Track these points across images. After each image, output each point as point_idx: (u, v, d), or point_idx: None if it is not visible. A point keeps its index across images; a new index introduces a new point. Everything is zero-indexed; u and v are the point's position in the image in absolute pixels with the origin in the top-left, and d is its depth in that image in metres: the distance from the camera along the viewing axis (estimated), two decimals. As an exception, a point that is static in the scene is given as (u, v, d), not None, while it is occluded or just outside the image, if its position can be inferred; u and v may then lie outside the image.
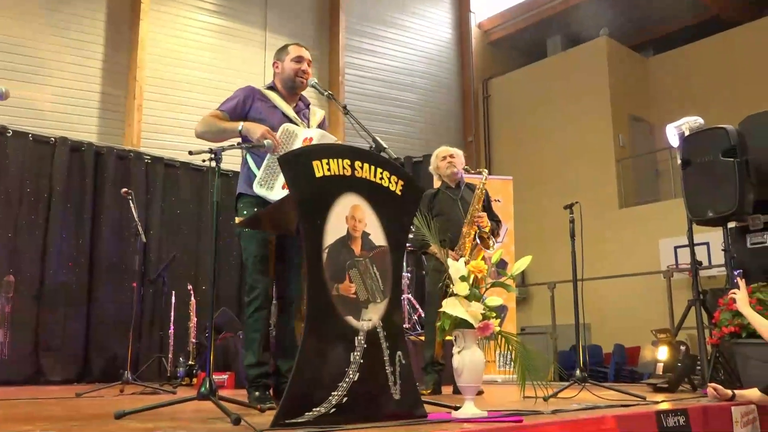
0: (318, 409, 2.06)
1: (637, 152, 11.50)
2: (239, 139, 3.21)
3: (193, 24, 9.21)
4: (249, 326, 3.25)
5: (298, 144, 3.06)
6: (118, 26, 8.58)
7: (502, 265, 2.54)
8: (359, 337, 2.23)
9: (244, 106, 3.33)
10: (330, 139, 3.11)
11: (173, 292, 6.70)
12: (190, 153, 2.60)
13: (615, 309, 9.69)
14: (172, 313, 6.59)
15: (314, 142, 3.04)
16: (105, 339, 6.97)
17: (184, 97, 8.82)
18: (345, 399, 2.12)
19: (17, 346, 6.53)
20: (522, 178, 9.72)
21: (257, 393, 3.17)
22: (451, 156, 4.76)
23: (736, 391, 3.27)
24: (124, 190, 5.16)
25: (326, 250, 2.21)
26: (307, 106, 3.54)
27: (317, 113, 3.51)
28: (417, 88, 11.50)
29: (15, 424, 2.45)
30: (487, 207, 4.62)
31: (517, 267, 2.53)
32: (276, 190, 3.02)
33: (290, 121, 3.31)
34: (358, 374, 2.18)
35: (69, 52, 8.15)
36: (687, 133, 4.81)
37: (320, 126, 3.44)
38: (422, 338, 5.28)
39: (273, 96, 3.40)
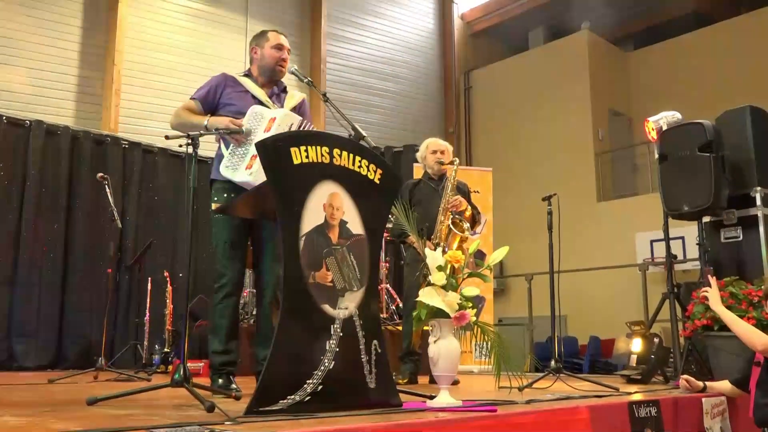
0: (293, 396, 2.06)
1: (615, 146, 11.60)
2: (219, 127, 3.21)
3: (172, 8, 9.09)
4: (216, 313, 3.25)
5: (264, 125, 3.04)
6: (96, 8, 8.45)
7: (479, 255, 2.54)
8: (335, 326, 2.22)
9: (215, 93, 3.34)
10: (294, 119, 3.07)
11: (149, 278, 6.63)
12: (167, 137, 2.57)
13: (591, 301, 9.80)
14: (148, 300, 6.53)
15: (276, 121, 3.01)
16: (80, 325, 6.89)
17: (162, 82, 8.71)
18: (320, 387, 2.12)
19: (-11, 331, 6.43)
20: (501, 170, 9.76)
21: (221, 380, 3.16)
22: (442, 152, 4.75)
23: (707, 383, 3.32)
24: (100, 174, 5.08)
25: (303, 238, 2.20)
26: (283, 90, 3.51)
27: (295, 96, 3.47)
28: (399, 78, 11.48)
29: (-16, 409, 2.42)
30: (465, 199, 4.62)
31: (494, 257, 2.54)
32: (239, 172, 3.00)
33: (262, 105, 3.28)
34: (333, 362, 2.17)
35: (45, 34, 8.00)
36: (665, 127, 4.85)
37: (297, 108, 3.41)
38: (400, 328, 5.29)
39: (246, 81, 3.39)
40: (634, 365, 4.37)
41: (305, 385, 2.09)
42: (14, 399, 2.98)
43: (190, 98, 3.36)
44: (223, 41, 9.36)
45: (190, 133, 2.62)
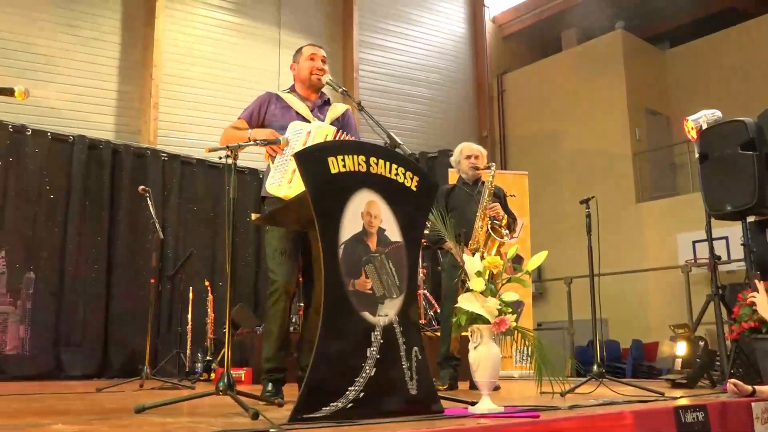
0: (335, 404, 2.07)
1: (653, 146, 11.41)
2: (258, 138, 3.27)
3: (207, 21, 9.26)
4: (268, 319, 3.34)
5: (302, 140, 3.09)
6: (133, 24, 8.65)
7: (517, 260, 2.53)
8: (376, 333, 2.23)
9: (260, 112, 3.45)
10: (329, 130, 3.11)
11: (190, 288, 6.75)
12: (208, 150, 2.62)
13: (633, 304, 9.63)
14: (190, 309, 6.65)
15: (311, 134, 3.07)
16: (124, 335, 7.05)
17: (199, 94, 8.88)
18: (362, 394, 2.13)
19: (38, 341, 6.63)
20: (537, 173, 9.69)
21: (270, 386, 3.22)
22: (476, 157, 4.74)
23: (756, 387, 3.23)
24: (142, 187, 5.19)
25: (342, 246, 2.22)
26: (326, 102, 3.57)
27: (337, 108, 3.54)
28: (431, 84, 11.48)
29: (37, 417, 2.49)
30: (502, 204, 4.60)
31: (532, 263, 2.52)
32: (283, 187, 3.06)
33: (304, 120, 3.33)
34: (374, 369, 2.18)
35: (85, 51, 8.23)
36: (705, 126, 4.76)
37: (340, 119, 3.47)
38: (438, 334, 5.28)
39: (288, 97, 3.48)
40: (679, 369, 4.29)
41: (347, 392, 2.11)
42: (64, 407, 3.06)
43: (237, 118, 3.49)
44: (257, 52, 9.49)
45: (229, 144, 2.67)
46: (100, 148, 7.46)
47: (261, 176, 8.05)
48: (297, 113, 3.39)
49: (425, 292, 6.95)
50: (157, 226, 5.07)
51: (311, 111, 3.43)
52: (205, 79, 8.99)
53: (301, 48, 3.60)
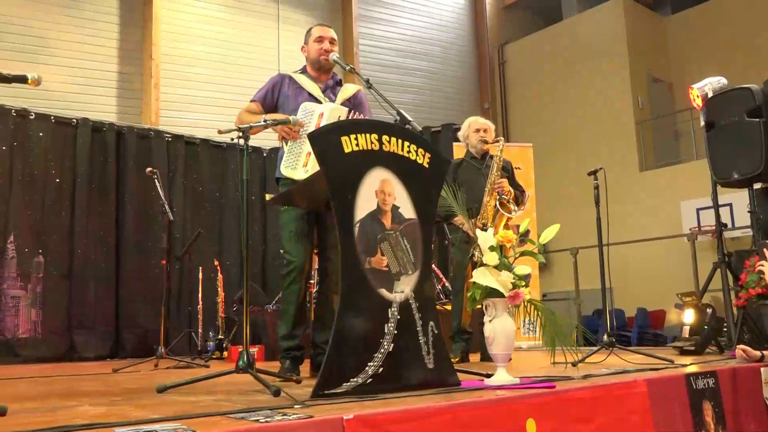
0: (355, 379, 2.12)
1: (657, 114, 11.37)
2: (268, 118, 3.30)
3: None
4: (284, 298, 3.38)
5: (315, 121, 3.10)
6: (131, 4, 8.59)
7: (524, 233, 2.56)
8: (393, 309, 2.27)
9: (273, 92, 3.47)
10: (342, 111, 3.14)
11: (200, 268, 6.79)
12: (219, 132, 2.63)
13: (637, 273, 9.68)
14: (200, 289, 6.70)
15: (324, 116, 3.10)
16: (135, 315, 7.11)
17: (200, 73, 8.84)
18: (381, 369, 2.18)
19: (50, 324, 6.69)
20: (541, 144, 9.66)
21: (288, 363, 3.27)
22: (485, 130, 4.73)
23: (765, 352, 3.28)
24: (149, 169, 5.18)
25: (357, 225, 2.24)
26: (338, 83, 3.58)
27: (349, 89, 3.55)
28: (432, 56, 11.41)
29: (59, 399, 2.54)
30: (510, 177, 4.61)
31: (545, 236, 2.55)
32: (298, 170, 3.10)
33: (316, 101, 3.34)
34: (392, 345, 2.23)
35: (84, 33, 8.18)
36: (710, 94, 4.75)
37: (351, 100, 3.49)
38: (447, 307, 5.32)
39: (301, 78, 3.49)
40: (687, 336, 4.33)
41: (367, 368, 2.15)
42: (85, 389, 3.11)
43: (251, 100, 3.50)
44: (255, 29, 9.42)
45: (240, 126, 2.68)
46: (104, 131, 7.45)
47: (265, 155, 8.11)
48: (309, 94, 3.41)
49: (432, 266, 6.98)
50: (167, 207, 5.08)
51: (323, 92, 3.44)
52: (205, 57, 8.94)
53: (310, 29, 3.60)
